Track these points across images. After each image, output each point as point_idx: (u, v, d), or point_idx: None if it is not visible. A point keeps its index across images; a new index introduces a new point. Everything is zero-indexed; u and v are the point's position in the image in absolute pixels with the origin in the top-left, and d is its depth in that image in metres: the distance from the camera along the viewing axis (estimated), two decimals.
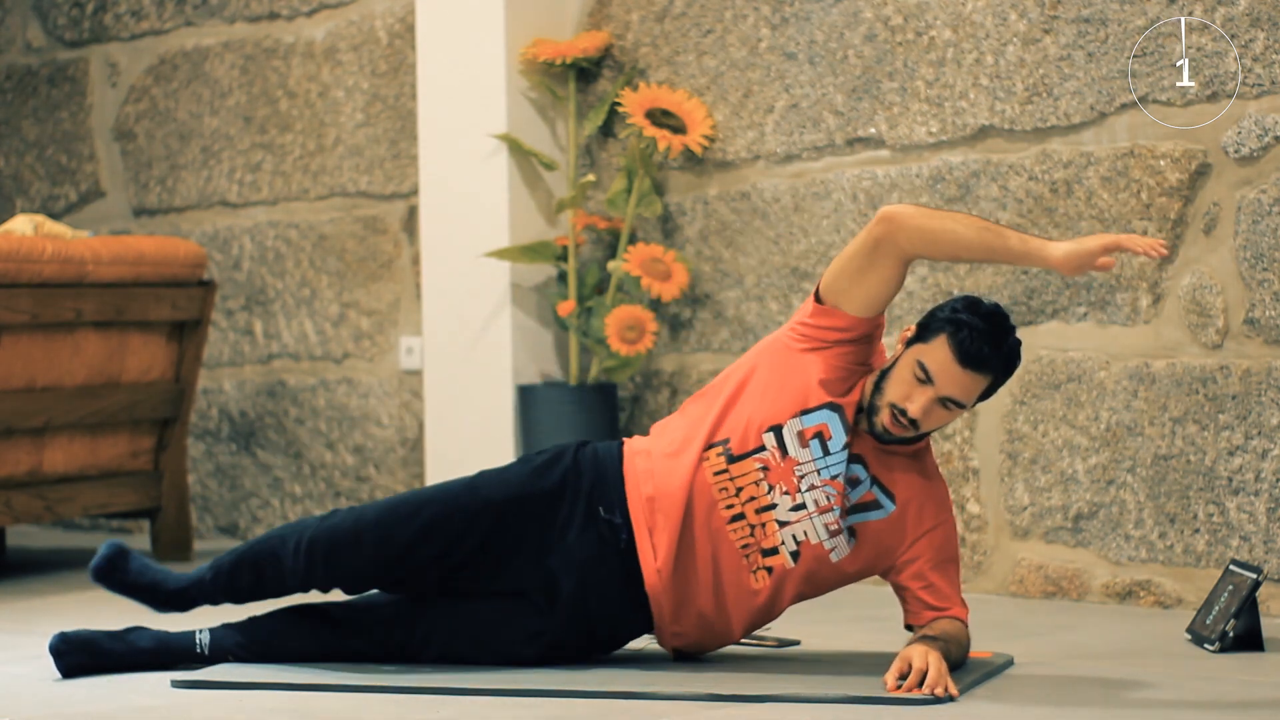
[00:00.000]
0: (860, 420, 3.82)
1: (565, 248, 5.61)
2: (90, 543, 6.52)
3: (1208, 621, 4.18)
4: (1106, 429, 4.83)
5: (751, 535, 3.82)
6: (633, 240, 5.62)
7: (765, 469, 3.81)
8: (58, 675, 3.89)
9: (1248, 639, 4.10)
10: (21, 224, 5.52)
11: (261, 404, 6.48)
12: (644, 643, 4.07)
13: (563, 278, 5.65)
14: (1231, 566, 4.22)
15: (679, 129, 5.47)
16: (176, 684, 3.82)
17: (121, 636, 3.94)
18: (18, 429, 5.43)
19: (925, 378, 3.70)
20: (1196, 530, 4.68)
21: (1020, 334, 4.91)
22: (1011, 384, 4.96)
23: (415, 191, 6.07)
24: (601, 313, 5.52)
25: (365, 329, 6.24)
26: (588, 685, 3.71)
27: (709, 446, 3.84)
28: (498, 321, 5.67)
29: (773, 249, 5.39)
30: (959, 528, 5.02)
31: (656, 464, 3.87)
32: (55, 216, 6.91)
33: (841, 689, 3.63)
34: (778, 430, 3.81)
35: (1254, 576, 4.10)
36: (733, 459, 3.82)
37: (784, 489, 3.81)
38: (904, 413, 3.72)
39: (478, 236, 5.67)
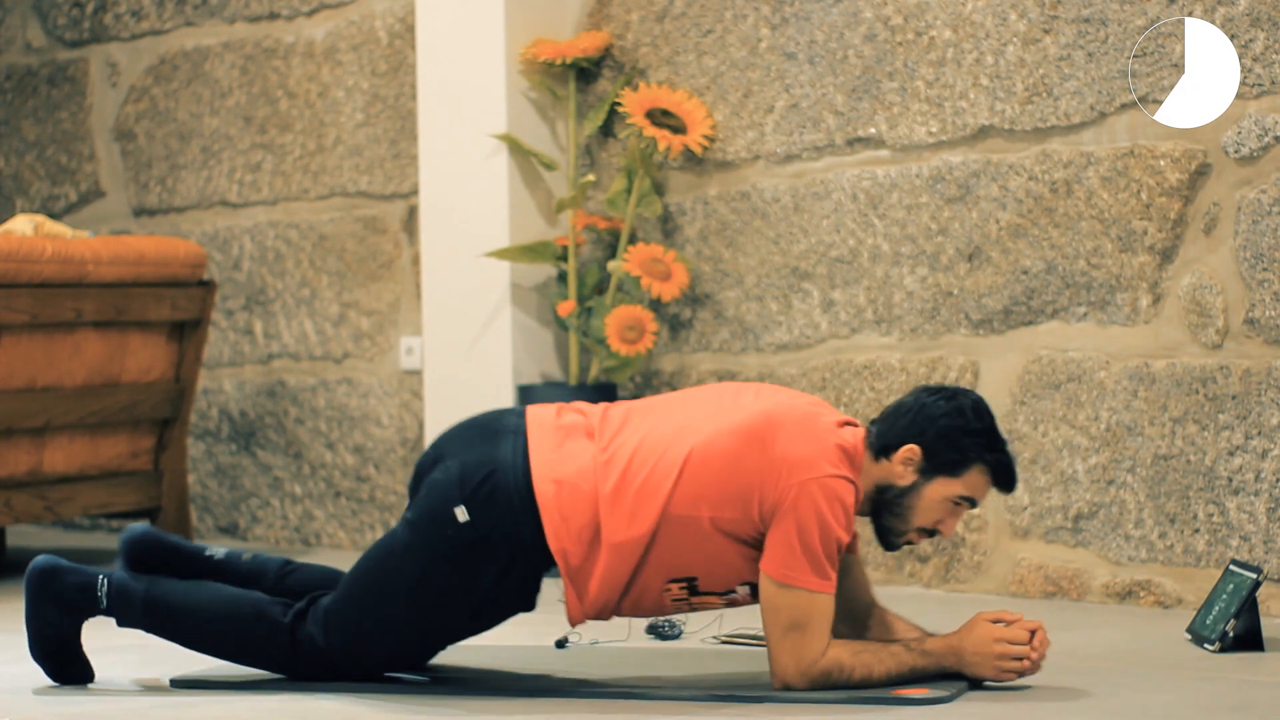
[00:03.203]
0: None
1: (565, 248, 5.61)
2: (90, 543, 6.52)
3: (1208, 621, 4.18)
4: (1106, 429, 4.83)
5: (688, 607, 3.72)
6: (633, 240, 5.61)
7: (731, 599, 3.69)
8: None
9: (1248, 639, 4.10)
10: (21, 224, 5.52)
11: (261, 404, 6.48)
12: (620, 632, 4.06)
13: (563, 278, 5.65)
14: (1231, 566, 4.21)
15: (679, 129, 5.47)
16: (176, 684, 3.82)
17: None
18: (18, 429, 5.43)
19: (969, 505, 3.73)
20: (1196, 530, 4.68)
21: (1020, 334, 4.95)
22: (1012, 384, 4.97)
23: (415, 191, 6.07)
24: (601, 313, 5.52)
25: (365, 329, 6.24)
26: (587, 685, 3.71)
27: (672, 580, 3.65)
28: (498, 321, 5.66)
29: (773, 249, 5.39)
30: (958, 527, 5.02)
31: (591, 571, 3.62)
32: (55, 216, 6.91)
33: (841, 689, 3.63)
34: (754, 587, 3.66)
35: (1254, 576, 4.10)
36: (696, 593, 3.68)
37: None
38: (937, 533, 3.73)
39: (478, 236, 5.67)
